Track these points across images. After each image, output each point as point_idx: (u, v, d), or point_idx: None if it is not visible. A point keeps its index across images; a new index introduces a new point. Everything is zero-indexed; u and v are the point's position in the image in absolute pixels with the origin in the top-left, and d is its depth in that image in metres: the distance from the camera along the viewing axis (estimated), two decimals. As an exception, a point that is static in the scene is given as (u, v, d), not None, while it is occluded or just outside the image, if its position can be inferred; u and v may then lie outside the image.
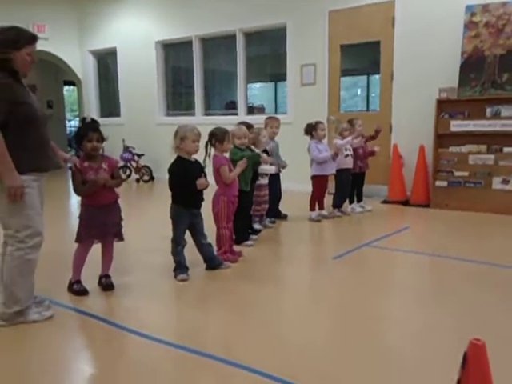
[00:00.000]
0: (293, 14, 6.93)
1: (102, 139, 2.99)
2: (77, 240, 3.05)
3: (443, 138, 5.72)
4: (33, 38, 2.59)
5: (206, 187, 3.39)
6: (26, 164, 2.52)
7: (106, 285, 3.17)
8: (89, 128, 2.97)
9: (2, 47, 2.49)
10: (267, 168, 4.50)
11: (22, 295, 2.61)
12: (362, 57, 8.84)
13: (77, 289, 3.09)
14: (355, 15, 6.41)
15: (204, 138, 3.68)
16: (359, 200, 5.67)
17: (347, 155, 5.26)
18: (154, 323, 2.72)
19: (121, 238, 3.18)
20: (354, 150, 5.41)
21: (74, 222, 3.10)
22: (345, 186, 5.37)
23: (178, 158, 3.38)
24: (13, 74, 2.52)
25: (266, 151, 4.58)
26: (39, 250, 2.65)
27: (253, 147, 4.41)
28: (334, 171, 5.18)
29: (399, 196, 6.12)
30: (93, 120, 3.08)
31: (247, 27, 7.48)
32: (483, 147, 5.50)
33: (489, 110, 5.43)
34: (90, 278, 3.18)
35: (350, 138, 5.15)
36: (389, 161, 6.22)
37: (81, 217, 3.05)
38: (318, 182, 5.13)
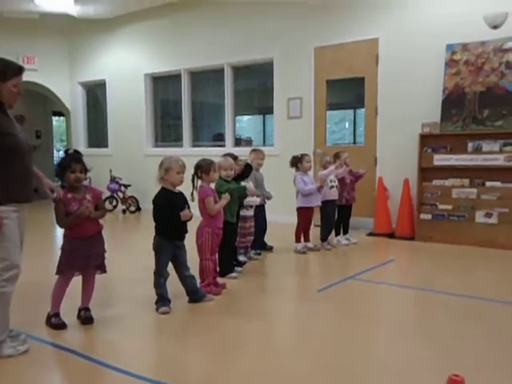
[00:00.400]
0: (280, 49, 7.10)
1: (85, 170, 2.98)
2: (57, 272, 2.99)
3: (427, 172, 5.80)
4: (19, 70, 2.62)
5: (190, 219, 3.39)
6: (6, 194, 2.50)
7: (85, 318, 3.10)
8: (72, 159, 2.96)
9: None
10: (252, 200, 4.52)
11: (-5, 329, 2.53)
12: (349, 91, 9.01)
13: (55, 322, 3.01)
14: (340, 52, 6.58)
15: (191, 170, 3.71)
16: (345, 232, 5.68)
17: (332, 186, 5.31)
18: (133, 358, 2.66)
19: (103, 270, 3.14)
20: (342, 180, 5.46)
21: (58, 254, 3.05)
22: (330, 218, 5.39)
23: (162, 189, 3.38)
24: (-4, 105, 2.54)
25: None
26: (15, 283, 2.59)
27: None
28: (319, 203, 5.20)
29: (385, 228, 6.16)
30: (76, 151, 3.07)
31: (235, 61, 7.63)
32: (466, 181, 5.59)
33: (470, 145, 5.54)
34: (69, 310, 3.11)
35: (332, 167, 5.19)
36: (374, 193, 6.27)
37: (63, 248, 3.00)
38: (304, 213, 5.15)
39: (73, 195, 2.93)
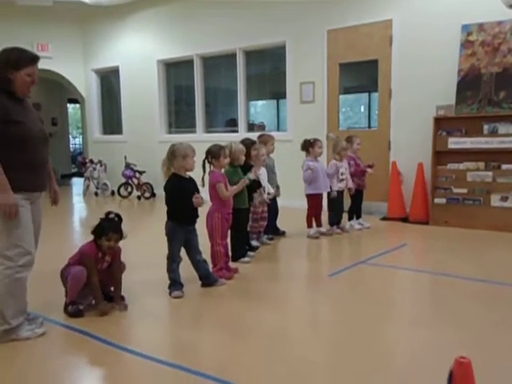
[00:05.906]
0: (292, 32, 7.02)
1: (120, 238, 3.06)
2: (68, 304, 3.06)
3: (441, 155, 5.73)
4: (33, 59, 2.61)
5: (202, 204, 3.42)
6: (15, 183, 2.52)
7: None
8: (111, 228, 3.02)
9: (2, 67, 2.54)
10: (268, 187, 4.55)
11: (11, 313, 2.60)
12: (363, 74, 8.91)
13: (71, 311, 3.04)
14: (353, 34, 6.49)
15: (204, 156, 3.74)
16: (358, 217, 5.67)
17: (342, 180, 5.29)
18: (147, 341, 2.72)
19: None
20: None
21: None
22: (336, 204, 5.37)
23: (173, 175, 3.40)
24: (9, 94, 2.56)
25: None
26: (30, 269, 2.65)
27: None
28: (328, 189, 5.19)
29: (398, 213, 6.12)
30: (118, 216, 3.10)
31: (247, 46, 7.58)
32: (481, 164, 5.50)
33: (486, 128, 5.44)
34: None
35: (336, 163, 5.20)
36: (388, 177, 6.22)
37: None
38: (312, 200, 5.15)
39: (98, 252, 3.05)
